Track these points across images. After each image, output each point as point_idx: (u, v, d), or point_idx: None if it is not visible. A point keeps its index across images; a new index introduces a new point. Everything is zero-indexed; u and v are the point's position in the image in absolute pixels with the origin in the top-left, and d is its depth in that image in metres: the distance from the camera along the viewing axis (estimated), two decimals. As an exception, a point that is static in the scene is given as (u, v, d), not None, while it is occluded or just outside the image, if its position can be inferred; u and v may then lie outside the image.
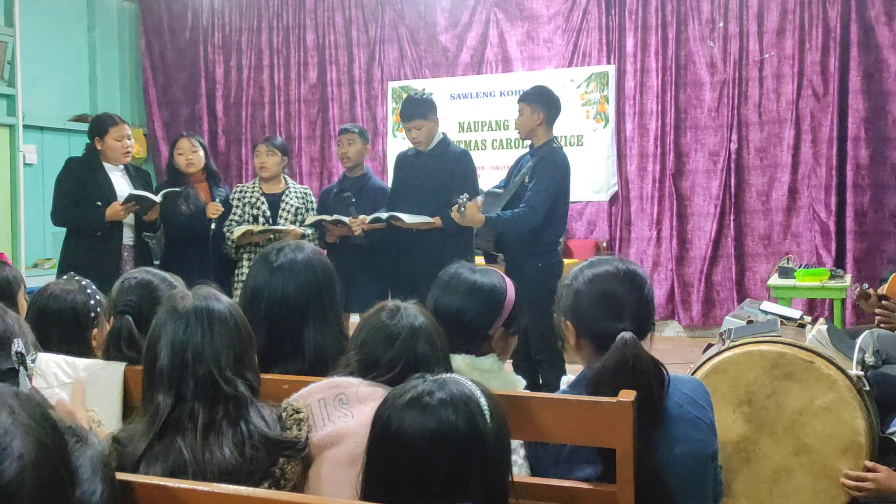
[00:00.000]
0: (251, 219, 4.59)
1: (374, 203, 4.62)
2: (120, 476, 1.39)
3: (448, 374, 1.41)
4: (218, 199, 4.58)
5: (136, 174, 4.64)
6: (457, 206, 4.09)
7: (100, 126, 4.49)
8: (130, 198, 4.31)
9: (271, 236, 4.44)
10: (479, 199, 4.19)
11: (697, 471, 1.76)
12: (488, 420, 1.31)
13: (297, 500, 1.41)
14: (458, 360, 1.97)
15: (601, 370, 1.71)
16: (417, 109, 4.44)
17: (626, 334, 1.71)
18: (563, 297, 1.88)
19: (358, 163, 4.85)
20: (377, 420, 1.36)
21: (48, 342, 2.17)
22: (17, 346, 1.74)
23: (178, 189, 4.46)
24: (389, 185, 4.92)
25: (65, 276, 2.41)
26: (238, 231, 4.47)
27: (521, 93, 4.50)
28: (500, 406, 1.35)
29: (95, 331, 2.26)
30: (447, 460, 1.27)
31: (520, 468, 1.80)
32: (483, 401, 1.33)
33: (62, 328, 2.22)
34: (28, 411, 0.96)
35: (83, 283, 2.32)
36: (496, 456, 1.31)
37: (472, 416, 1.30)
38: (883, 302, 3.36)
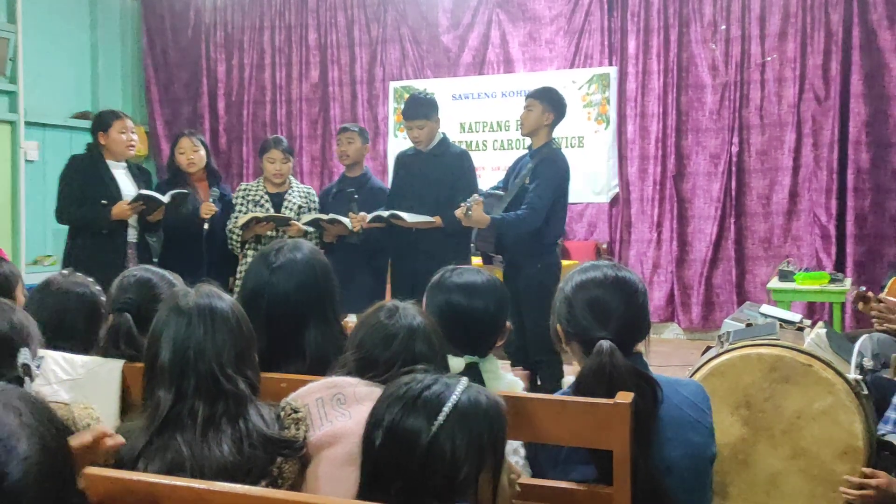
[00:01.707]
0: (255, 217, 4.62)
1: (373, 203, 4.63)
2: (117, 473, 1.39)
3: (446, 374, 1.41)
4: (212, 199, 4.58)
5: (139, 173, 4.64)
6: (463, 207, 4.11)
7: (103, 121, 4.50)
8: (139, 197, 4.32)
9: (273, 230, 4.48)
10: (477, 197, 4.20)
11: (696, 474, 1.76)
12: (436, 425, 1.29)
13: (294, 499, 1.41)
14: (457, 361, 1.97)
15: (580, 377, 1.73)
16: (420, 109, 4.45)
17: (605, 343, 1.71)
18: (557, 300, 1.89)
19: (357, 161, 4.85)
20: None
21: (72, 335, 2.17)
22: (24, 356, 1.71)
23: (185, 191, 4.46)
24: (389, 185, 4.93)
25: (64, 271, 2.40)
26: (243, 218, 4.50)
27: (533, 89, 4.50)
28: (476, 415, 1.32)
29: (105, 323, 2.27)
30: (400, 459, 1.29)
31: (521, 469, 1.80)
32: (448, 405, 1.31)
33: (90, 320, 2.22)
34: (34, 413, 0.96)
35: (89, 280, 2.33)
36: (441, 462, 1.29)
37: (420, 417, 1.30)
38: (879, 296, 3.34)
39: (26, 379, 1.66)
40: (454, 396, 1.32)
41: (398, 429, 1.30)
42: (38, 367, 1.76)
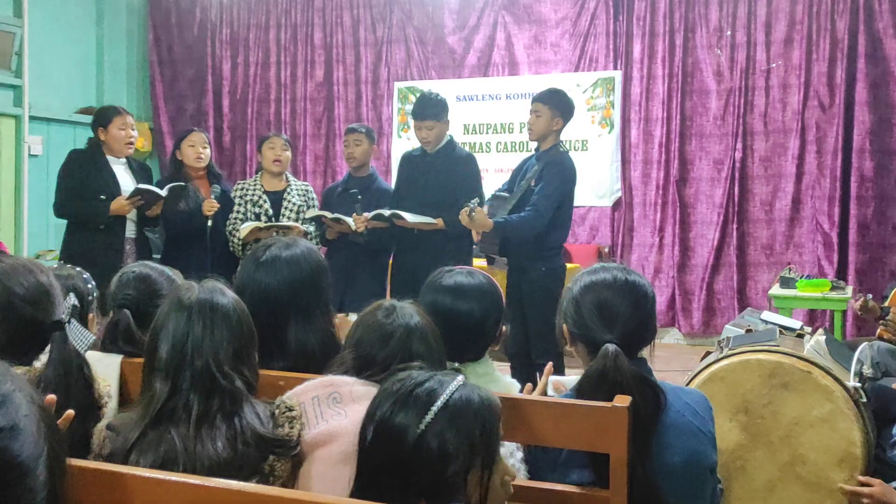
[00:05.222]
0: (253, 216, 4.59)
1: (377, 204, 4.62)
2: (109, 466, 1.39)
3: (443, 371, 1.41)
4: (213, 196, 4.58)
5: (139, 169, 4.64)
6: (467, 209, 4.10)
7: (103, 116, 4.49)
8: (136, 192, 4.31)
9: (276, 233, 4.46)
10: (477, 203, 4.20)
11: (695, 481, 1.75)
12: (425, 422, 1.29)
13: (289, 497, 1.40)
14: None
15: (583, 380, 1.72)
16: (431, 110, 4.42)
17: (610, 346, 1.70)
18: (564, 300, 1.89)
19: (363, 163, 4.84)
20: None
21: None
22: (73, 299, 1.79)
23: (183, 183, 4.46)
24: (393, 185, 4.92)
25: (55, 265, 2.41)
26: (245, 229, 4.48)
27: (540, 92, 4.42)
28: (466, 414, 1.31)
29: (91, 315, 2.26)
30: (388, 455, 1.30)
31: (518, 471, 1.80)
32: (438, 403, 1.30)
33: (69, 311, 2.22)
34: (40, 401, 0.99)
35: (76, 269, 2.33)
36: (428, 460, 1.28)
37: (409, 413, 1.30)
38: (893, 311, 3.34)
39: (71, 321, 1.70)
40: (446, 394, 1.32)
41: (387, 424, 1.30)
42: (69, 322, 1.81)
